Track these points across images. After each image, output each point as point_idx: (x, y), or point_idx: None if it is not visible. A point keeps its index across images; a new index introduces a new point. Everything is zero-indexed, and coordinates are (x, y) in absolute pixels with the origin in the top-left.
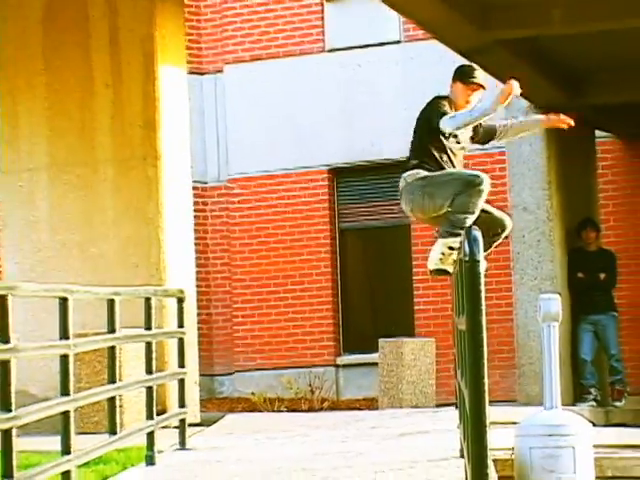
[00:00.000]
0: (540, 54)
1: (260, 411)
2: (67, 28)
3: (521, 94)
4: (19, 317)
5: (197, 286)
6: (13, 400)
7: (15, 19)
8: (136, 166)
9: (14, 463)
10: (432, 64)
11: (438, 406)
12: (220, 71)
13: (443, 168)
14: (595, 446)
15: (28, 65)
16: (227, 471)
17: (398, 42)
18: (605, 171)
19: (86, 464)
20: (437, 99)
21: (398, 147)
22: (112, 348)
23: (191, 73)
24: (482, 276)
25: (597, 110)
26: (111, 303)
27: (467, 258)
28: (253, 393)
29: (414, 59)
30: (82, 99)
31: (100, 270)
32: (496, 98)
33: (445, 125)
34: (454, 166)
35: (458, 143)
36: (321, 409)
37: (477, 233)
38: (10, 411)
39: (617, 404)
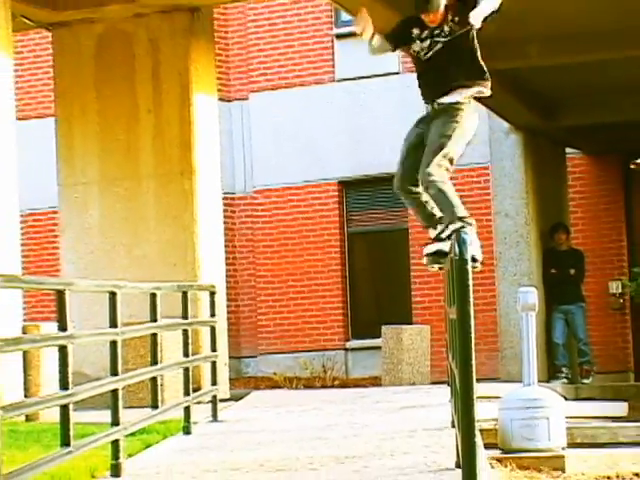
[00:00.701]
0: (519, 83)
1: (280, 388)
2: (115, 63)
3: (500, 115)
4: (75, 309)
5: (226, 282)
6: (70, 379)
7: (71, 54)
8: (174, 180)
9: (71, 433)
10: None
11: (432, 384)
12: (246, 98)
13: None
14: (567, 417)
15: (82, 95)
16: (253, 439)
17: (397, 73)
18: (574, 182)
19: (132, 434)
20: None
21: (394, 163)
22: (154, 335)
23: (221, 100)
24: (470, 273)
25: (567, 131)
26: (153, 296)
27: (457, 257)
28: (275, 373)
29: (410, 87)
30: (128, 123)
31: (144, 269)
32: None
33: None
34: None
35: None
36: (332, 386)
37: (466, 236)
38: (67, 389)
39: (585, 381)
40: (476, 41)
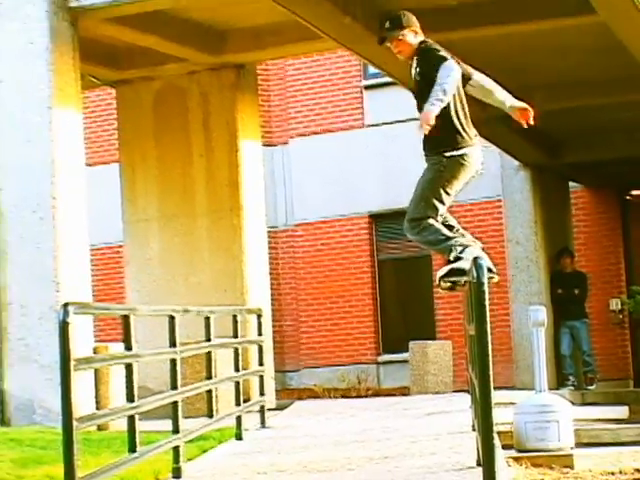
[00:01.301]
0: (531, 126)
1: (320, 398)
2: (171, 115)
3: (511, 154)
4: (139, 331)
5: (271, 305)
6: (136, 393)
7: (132, 108)
8: (224, 216)
9: (137, 440)
10: None
11: (455, 392)
12: (286, 143)
13: None
14: (574, 420)
15: (142, 143)
16: (297, 444)
17: (419, 120)
18: (577, 212)
19: (191, 440)
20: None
21: None
22: (209, 353)
23: (264, 145)
24: (486, 294)
25: (570, 167)
26: (207, 319)
27: (474, 281)
28: (315, 385)
29: None
30: (183, 167)
31: (199, 295)
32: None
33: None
34: None
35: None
36: (366, 396)
37: (482, 262)
38: (133, 401)
39: (590, 388)
40: (457, 99)
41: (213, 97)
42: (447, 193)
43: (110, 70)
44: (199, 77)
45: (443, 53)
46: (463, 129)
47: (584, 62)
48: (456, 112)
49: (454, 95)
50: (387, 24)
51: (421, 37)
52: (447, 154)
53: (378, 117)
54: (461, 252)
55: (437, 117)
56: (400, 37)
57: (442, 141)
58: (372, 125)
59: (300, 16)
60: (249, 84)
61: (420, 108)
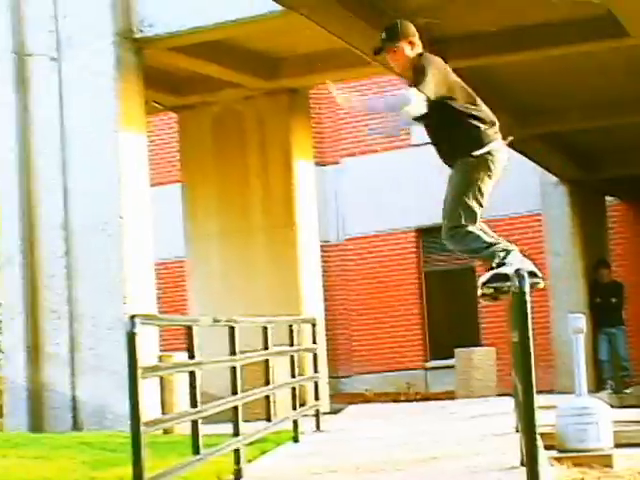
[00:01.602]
0: (564, 143)
1: (371, 402)
2: (229, 137)
3: (550, 170)
4: (202, 340)
5: (325, 315)
6: (199, 399)
7: (192, 131)
8: (280, 232)
9: (200, 443)
10: None
11: (498, 396)
12: (337, 162)
13: None
14: (613, 422)
15: (202, 164)
16: (351, 446)
17: None
18: (614, 225)
19: (250, 443)
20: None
21: None
22: (266, 360)
23: (316, 164)
24: (529, 303)
25: (607, 182)
26: (265, 329)
27: (517, 291)
28: (366, 390)
29: None
30: (240, 186)
31: (256, 306)
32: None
33: None
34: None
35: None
36: (415, 400)
37: (525, 273)
38: (196, 407)
39: (627, 391)
40: (459, 110)
41: (268, 120)
42: (481, 195)
43: (172, 96)
44: (255, 101)
45: (426, 73)
46: (482, 123)
47: (618, 82)
48: (466, 109)
49: (452, 97)
50: (383, 34)
51: (419, 49)
52: (473, 154)
53: (423, 137)
54: (504, 257)
55: (449, 126)
56: (395, 49)
57: (463, 144)
58: (417, 145)
59: (350, 44)
60: (302, 107)
61: (424, 124)
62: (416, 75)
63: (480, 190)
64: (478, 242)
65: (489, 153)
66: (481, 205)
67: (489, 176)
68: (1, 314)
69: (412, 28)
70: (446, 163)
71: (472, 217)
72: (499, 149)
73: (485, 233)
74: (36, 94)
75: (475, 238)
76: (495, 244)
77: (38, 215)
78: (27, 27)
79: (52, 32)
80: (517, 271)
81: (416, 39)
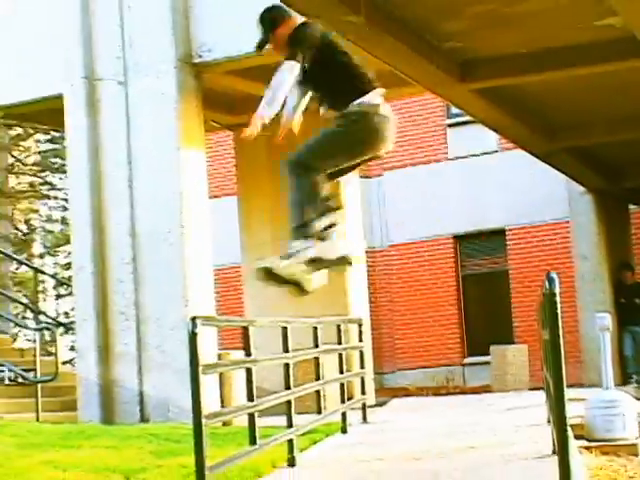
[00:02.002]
0: (589, 155)
1: (414, 396)
2: (282, 152)
3: (577, 180)
4: (257, 339)
5: (370, 316)
6: (255, 393)
7: (247, 148)
8: None
9: (257, 434)
10: (519, 166)
11: (531, 390)
12: (381, 175)
13: None
14: (638, 413)
15: (257, 178)
16: (394, 436)
17: (496, 151)
18: (636, 231)
19: (302, 434)
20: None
21: (498, 220)
22: (316, 358)
23: (361, 177)
24: (558, 304)
25: (630, 191)
26: (315, 329)
27: (548, 292)
28: (409, 384)
29: (506, 161)
30: None
31: (306, 308)
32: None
33: None
34: None
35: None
36: (454, 394)
37: (553, 274)
38: (253, 401)
39: None
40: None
41: None
42: (350, 154)
43: (228, 115)
44: (304, 120)
45: (300, 40)
46: (362, 76)
47: (638, 99)
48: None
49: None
50: (260, 29)
51: (295, 23)
52: (355, 105)
53: (459, 151)
54: (298, 250)
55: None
56: (276, 39)
57: (345, 93)
58: (454, 158)
59: (394, 66)
60: None
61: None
62: (291, 45)
63: (352, 148)
64: (301, 201)
65: (372, 109)
66: (337, 165)
67: (369, 138)
68: (75, 317)
69: (282, 8)
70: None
71: (320, 167)
72: (380, 104)
73: (315, 201)
74: (105, 115)
75: (305, 193)
76: (309, 223)
77: (107, 225)
78: (97, 54)
79: (119, 58)
80: (548, 274)
81: (290, 16)
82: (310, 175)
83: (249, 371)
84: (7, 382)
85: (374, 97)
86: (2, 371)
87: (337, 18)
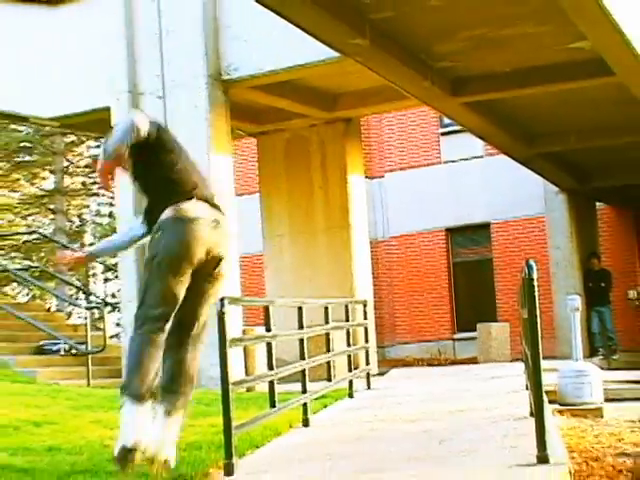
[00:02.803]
0: (563, 159)
1: (411, 366)
2: (297, 157)
3: (552, 181)
4: (276, 317)
5: (373, 297)
6: (274, 363)
7: (268, 152)
8: (337, 232)
9: (276, 399)
10: (502, 169)
11: (512, 361)
12: (382, 176)
13: None
14: (603, 381)
15: (276, 179)
16: (393, 400)
17: (482, 156)
18: (602, 225)
19: (315, 398)
20: None
21: (484, 216)
22: (327, 333)
23: (366, 178)
24: (536, 288)
25: (597, 190)
26: (326, 308)
27: (527, 277)
28: (407, 356)
29: (491, 165)
30: (306, 196)
31: (318, 291)
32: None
33: None
34: None
35: None
36: (445, 364)
37: (532, 263)
38: (273, 370)
39: (613, 357)
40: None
41: (328, 143)
42: (173, 283)
43: (252, 125)
44: (318, 128)
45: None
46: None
47: (607, 111)
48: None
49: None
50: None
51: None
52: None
53: (451, 156)
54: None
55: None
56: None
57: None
58: (446, 162)
59: (394, 83)
60: (355, 133)
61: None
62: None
63: (167, 266)
64: (134, 363)
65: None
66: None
67: (181, 250)
68: (120, 298)
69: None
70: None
71: (156, 321)
72: (197, 216)
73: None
74: None
75: (137, 353)
76: (142, 396)
77: None
78: (139, 72)
79: (159, 76)
80: (527, 261)
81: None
82: (152, 329)
83: (269, 345)
84: (62, 353)
85: (193, 206)
86: (58, 343)
87: (346, 42)
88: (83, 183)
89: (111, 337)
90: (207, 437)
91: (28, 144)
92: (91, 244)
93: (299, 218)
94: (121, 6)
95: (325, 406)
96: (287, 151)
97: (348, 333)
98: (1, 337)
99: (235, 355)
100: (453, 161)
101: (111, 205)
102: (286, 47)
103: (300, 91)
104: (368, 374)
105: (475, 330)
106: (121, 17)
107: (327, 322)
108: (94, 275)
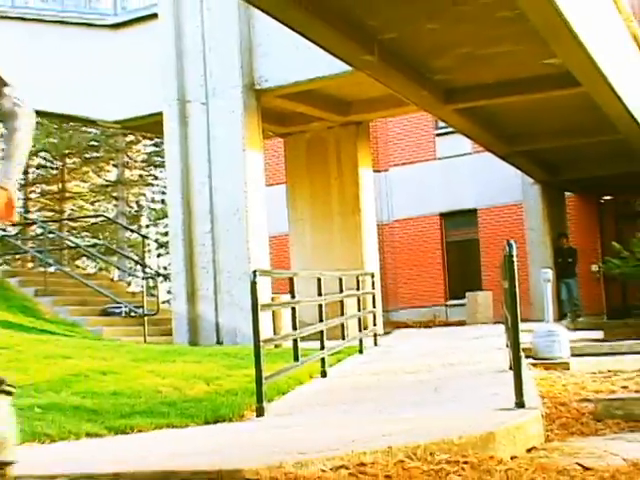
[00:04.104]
0: (537, 156)
1: (411, 328)
2: (317, 154)
3: (528, 174)
4: (299, 286)
5: (380, 270)
6: (297, 325)
7: (293, 150)
8: (350, 217)
9: (299, 354)
10: (487, 163)
11: (494, 323)
12: (387, 170)
13: None
14: (570, 340)
15: (299, 172)
16: (396, 356)
17: (470, 153)
18: (570, 210)
19: (331, 354)
20: None
21: (472, 203)
22: (341, 300)
23: (374, 171)
24: (515, 263)
25: (565, 182)
26: (340, 280)
27: (507, 254)
28: (407, 319)
29: (478, 160)
30: (324, 186)
31: (334, 265)
32: None
33: None
34: None
35: None
36: (439, 326)
37: (512, 242)
38: (296, 330)
39: (578, 320)
40: None
41: (343, 142)
42: None
43: (279, 127)
44: (334, 130)
45: None
46: None
47: (573, 116)
48: None
49: None
50: None
51: None
52: None
53: (444, 153)
54: None
55: None
56: None
57: None
58: (441, 158)
59: (396, 91)
60: (364, 133)
61: None
62: None
63: None
64: None
65: None
66: None
67: None
68: (171, 270)
69: None
70: None
71: None
72: None
73: None
74: (192, 127)
75: None
76: None
77: (193, 205)
78: (187, 83)
79: (202, 86)
80: (508, 242)
81: None
82: None
83: (293, 309)
84: (123, 315)
85: None
86: (120, 307)
87: (357, 58)
88: (140, 175)
89: (163, 302)
90: (242, 385)
91: (95, 143)
92: (147, 226)
93: (318, 205)
94: (172, 29)
95: (339, 360)
96: (308, 149)
97: (358, 300)
98: (74, 302)
99: (265, 318)
100: (446, 157)
101: (163, 194)
102: (307, 62)
103: (319, 99)
104: (375, 334)
105: (464, 297)
106: (172, 38)
107: (341, 291)
108: (149, 251)
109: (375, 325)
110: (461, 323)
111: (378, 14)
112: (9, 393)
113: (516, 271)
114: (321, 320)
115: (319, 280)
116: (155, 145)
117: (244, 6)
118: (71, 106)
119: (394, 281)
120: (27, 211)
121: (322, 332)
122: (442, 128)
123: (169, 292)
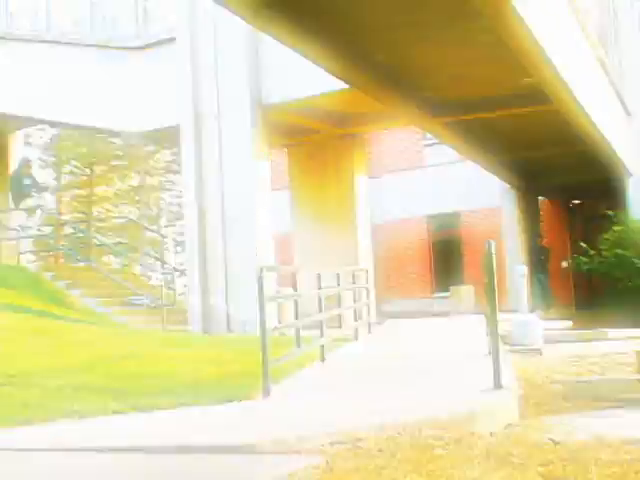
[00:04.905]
0: (516, 165)
1: (401, 318)
2: (317, 162)
3: (506, 181)
4: (301, 281)
5: (373, 267)
6: (299, 315)
7: (295, 159)
8: (346, 217)
9: (300, 341)
10: (470, 171)
11: (475, 314)
12: (380, 177)
13: None
14: (543, 329)
15: (302, 178)
16: (388, 340)
17: (454, 163)
18: (543, 213)
19: (330, 341)
20: None
21: (455, 207)
22: (339, 293)
23: (369, 178)
24: (494, 258)
25: (539, 188)
26: (338, 275)
27: (487, 252)
28: (398, 310)
29: (462, 168)
30: (324, 190)
31: (333, 261)
32: None
33: None
34: None
35: None
36: (426, 316)
37: (492, 242)
38: (298, 319)
39: (550, 311)
40: None
41: (341, 152)
42: None
43: (284, 138)
44: (333, 141)
45: None
46: None
47: (546, 130)
48: None
49: None
50: None
51: None
52: None
53: (432, 161)
54: None
55: None
56: None
57: None
58: (428, 166)
59: (389, 107)
60: (360, 144)
61: None
62: None
63: None
64: None
65: None
66: None
67: None
68: (186, 266)
69: None
70: None
71: None
72: None
73: None
74: (205, 138)
75: None
76: None
77: (207, 209)
78: (201, 98)
79: (215, 101)
80: (488, 241)
81: None
82: None
83: (296, 301)
84: (145, 306)
85: None
86: (142, 299)
87: (353, 76)
88: (160, 181)
89: (179, 295)
90: (250, 369)
91: (120, 152)
92: (166, 226)
93: (318, 207)
94: (188, 50)
95: (337, 347)
96: (309, 158)
97: (354, 293)
98: (101, 294)
99: (270, 308)
100: (433, 166)
101: (179, 198)
102: (309, 80)
103: (320, 113)
104: (369, 323)
105: (449, 291)
106: (187, 58)
107: (338, 285)
108: (167, 249)
109: (369, 315)
110: (446, 314)
111: (373, 38)
112: None
113: (494, 267)
114: (320, 311)
115: (319, 275)
116: (173, 154)
117: (252, 30)
118: (98, 119)
119: (386, 276)
120: (60, 213)
121: (322, 322)
122: (430, 139)
123: (185, 286)
